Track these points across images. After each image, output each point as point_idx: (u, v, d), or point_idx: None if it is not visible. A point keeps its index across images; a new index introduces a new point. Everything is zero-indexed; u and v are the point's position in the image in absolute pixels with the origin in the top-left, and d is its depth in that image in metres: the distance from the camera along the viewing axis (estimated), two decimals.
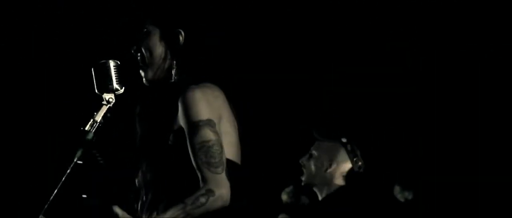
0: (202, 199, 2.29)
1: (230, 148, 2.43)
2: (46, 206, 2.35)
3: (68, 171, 2.35)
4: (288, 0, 4.81)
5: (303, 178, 3.84)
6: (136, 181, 2.53)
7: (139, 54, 2.56)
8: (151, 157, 2.47)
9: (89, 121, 2.43)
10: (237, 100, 2.52)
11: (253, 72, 4.78)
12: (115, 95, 2.48)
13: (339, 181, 3.76)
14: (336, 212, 3.65)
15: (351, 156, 3.79)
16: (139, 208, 2.50)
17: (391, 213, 4.00)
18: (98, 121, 2.42)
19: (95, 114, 2.44)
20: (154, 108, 2.53)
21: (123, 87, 2.49)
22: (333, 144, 3.81)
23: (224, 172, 2.35)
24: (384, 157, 4.62)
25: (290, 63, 4.92)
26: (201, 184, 2.32)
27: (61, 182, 2.34)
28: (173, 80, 2.52)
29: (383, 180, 4.37)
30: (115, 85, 2.47)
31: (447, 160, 4.76)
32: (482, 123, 4.70)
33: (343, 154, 3.79)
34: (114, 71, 2.47)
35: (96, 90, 2.48)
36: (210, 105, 2.40)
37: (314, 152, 3.82)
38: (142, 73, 2.56)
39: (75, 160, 2.36)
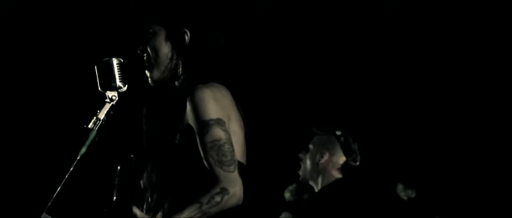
0: (218, 198, 2.30)
1: (237, 148, 2.44)
2: (49, 204, 2.35)
3: (71, 168, 2.35)
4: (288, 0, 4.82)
5: (300, 173, 3.86)
6: (141, 181, 2.54)
7: (144, 54, 2.56)
8: (158, 157, 2.47)
9: (92, 118, 2.43)
10: (242, 100, 2.52)
11: (255, 71, 4.78)
12: (118, 93, 2.48)
13: (333, 173, 3.77)
14: (332, 205, 3.65)
15: (345, 148, 3.79)
16: (145, 208, 2.51)
17: (388, 207, 4.01)
18: (101, 118, 2.43)
19: (98, 111, 2.44)
20: (161, 108, 2.53)
21: (126, 85, 2.49)
22: (328, 137, 3.82)
23: (236, 170, 2.36)
24: (386, 152, 4.63)
25: (292, 62, 4.92)
26: (213, 183, 2.33)
27: (64, 180, 2.35)
28: (179, 80, 2.52)
29: (382, 175, 4.38)
30: (118, 83, 2.47)
31: (447, 159, 4.76)
32: (482, 121, 4.70)
33: (336, 147, 3.80)
34: (117, 69, 2.47)
35: (99, 88, 2.48)
36: (219, 105, 2.41)
37: (310, 146, 3.84)
38: (148, 74, 2.56)
39: (78, 158, 2.36)
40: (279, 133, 4.81)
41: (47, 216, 2.37)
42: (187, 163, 2.41)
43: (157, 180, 2.46)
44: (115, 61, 2.48)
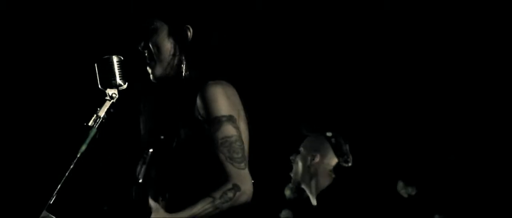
0: (230, 194, 2.32)
1: (244, 146, 2.45)
2: (49, 202, 2.35)
3: (72, 166, 2.35)
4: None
5: (291, 175, 3.84)
6: (138, 176, 2.53)
7: (146, 50, 2.55)
8: (164, 152, 2.46)
9: (93, 116, 2.42)
10: (242, 98, 2.52)
11: (257, 69, 4.78)
12: (118, 91, 2.47)
13: (325, 175, 3.75)
14: (332, 202, 3.65)
15: (336, 149, 3.78)
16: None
17: (388, 205, 4.01)
18: (102, 116, 2.42)
19: (98, 109, 2.44)
20: (166, 104, 2.53)
21: (126, 83, 2.49)
22: (318, 138, 3.81)
23: (247, 167, 2.38)
24: (386, 150, 4.62)
25: (292, 61, 4.92)
26: (225, 179, 2.34)
27: (64, 178, 2.35)
28: (183, 76, 2.52)
29: (382, 173, 4.37)
30: (118, 81, 2.47)
31: (448, 156, 4.76)
32: (482, 119, 4.70)
33: (327, 148, 3.78)
34: (117, 66, 2.47)
35: (100, 86, 2.48)
36: (230, 102, 2.43)
37: (301, 148, 3.82)
38: (150, 70, 2.55)
39: (78, 156, 2.36)
40: (280, 131, 4.81)
41: (48, 214, 2.37)
42: (193, 157, 2.41)
43: (158, 174, 2.46)
44: (115, 59, 2.47)
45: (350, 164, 3.79)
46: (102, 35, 4.70)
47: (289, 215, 4.35)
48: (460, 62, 4.71)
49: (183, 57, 2.52)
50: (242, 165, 2.37)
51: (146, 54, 2.56)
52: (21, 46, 4.88)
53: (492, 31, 4.58)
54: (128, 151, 2.61)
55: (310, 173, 3.75)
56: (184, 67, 2.52)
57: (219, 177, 2.36)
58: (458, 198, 4.67)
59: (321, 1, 4.77)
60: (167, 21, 2.55)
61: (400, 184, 4.53)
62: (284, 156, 4.22)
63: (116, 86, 2.47)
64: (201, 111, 2.41)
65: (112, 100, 2.46)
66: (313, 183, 3.75)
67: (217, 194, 2.31)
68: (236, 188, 2.33)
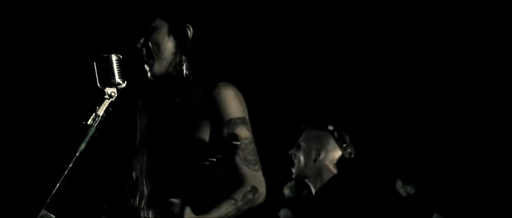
0: (250, 196, 2.36)
1: None
2: (48, 200, 2.35)
3: (70, 165, 2.35)
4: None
5: (294, 170, 3.83)
6: (134, 172, 2.53)
7: (145, 48, 2.55)
8: (164, 150, 2.46)
9: (92, 115, 2.42)
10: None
11: (254, 68, 4.78)
12: (118, 90, 2.47)
13: (330, 169, 3.75)
14: (332, 201, 3.64)
15: (340, 143, 3.78)
16: (137, 198, 2.50)
17: (387, 204, 4.01)
18: (101, 115, 2.42)
19: (97, 108, 2.44)
20: (169, 104, 2.52)
21: (125, 82, 2.49)
22: (321, 132, 3.80)
23: (260, 169, 2.41)
24: (385, 149, 4.62)
25: (291, 61, 4.92)
26: (241, 181, 2.37)
27: (63, 176, 2.35)
28: (184, 76, 2.52)
29: (381, 171, 4.37)
30: (117, 80, 2.46)
31: (446, 155, 4.76)
32: (480, 118, 4.70)
33: (331, 142, 3.79)
34: (117, 65, 2.47)
35: (99, 84, 2.48)
36: (243, 104, 2.46)
37: (302, 143, 3.81)
38: (148, 67, 2.55)
39: (77, 154, 2.35)
40: (278, 129, 4.81)
41: (46, 212, 2.37)
42: (201, 157, 2.41)
43: (158, 172, 2.46)
44: (114, 57, 2.47)
45: (352, 156, 3.80)
46: (101, 33, 4.70)
47: (288, 214, 4.35)
48: (459, 61, 4.71)
49: (184, 57, 2.52)
50: (256, 167, 2.41)
51: (144, 52, 2.55)
52: (20, 45, 4.88)
53: (492, 31, 4.58)
54: (127, 149, 2.61)
55: (316, 168, 3.74)
56: (185, 67, 2.52)
57: (227, 177, 2.38)
58: (457, 197, 4.67)
59: (321, 1, 4.77)
60: (167, 19, 2.55)
61: (399, 183, 4.53)
62: (282, 155, 4.22)
63: (115, 85, 2.47)
64: (212, 112, 2.42)
65: (111, 99, 2.46)
66: (318, 178, 3.75)
67: (239, 196, 2.34)
68: (255, 190, 2.37)
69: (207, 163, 2.22)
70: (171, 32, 2.53)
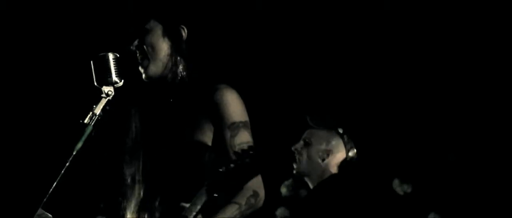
0: (252, 200, 2.37)
1: None
2: (45, 199, 2.34)
3: (68, 163, 2.34)
4: None
5: (295, 166, 3.81)
6: (129, 176, 2.53)
7: (139, 50, 2.54)
8: (163, 152, 2.46)
9: (88, 113, 2.42)
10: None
11: (249, 69, 4.78)
12: (114, 88, 2.47)
13: (334, 170, 3.75)
14: (329, 200, 3.64)
15: (348, 146, 3.78)
16: (132, 202, 2.50)
17: (384, 203, 4.01)
18: (97, 113, 2.42)
19: (94, 106, 2.43)
20: (168, 106, 2.52)
21: (122, 80, 2.48)
22: (330, 133, 3.80)
23: (260, 174, 2.42)
24: (382, 148, 4.63)
25: (290, 60, 4.92)
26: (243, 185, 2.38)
27: (60, 175, 2.34)
28: (180, 77, 2.51)
29: (378, 171, 4.37)
30: (114, 78, 2.46)
31: (443, 154, 4.77)
32: (478, 117, 4.71)
33: (340, 144, 3.78)
34: (113, 64, 2.46)
35: (95, 83, 2.47)
36: (244, 107, 2.46)
37: (311, 140, 3.79)
38: (142, 69, 2.54)
39: (74, 153, 2.35)
40: (274, 128, 4.81)
41: (43, 211, 2.36)
42: (200, 159, 2.41)
43: (157, 174, 2.45)
44: (111, 56, 2.46)
45: (354, 160, 3.80)
46: (98, 32, 4.70)
47: (285, 213, 4.35)
48: (458, 61, 4.72)
49: (179, 58, 2.52)
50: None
51: (138, 54, 2.54)
52: (16, 44, 4.88)
53: (492, 31, 4.58)
54: (124, 148, 2.61)
55: (321, 168, 3.73)
56: (181, 68, 2.51)
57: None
58: (454, 196, 4.68)
59: (322, 1, 4.77)
60: (161, 21, 2.54)
61: (396, 182, 4.53)
62: (279, 154, 4.22)
63: (112, 83, 2.46)
64: (214, 114, 2.42)
65: (108, 98, 2.45)
66: (319, 177, 3.74)
67: (242, 201, 2.36)
68: (256, 194, 2.39)
69: (223, 169, 2.22)
70: (165, 34, 2.52)
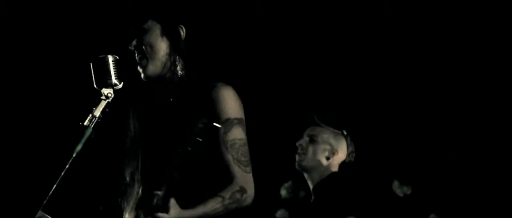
0: (238, 195, 2.36)
1: None
2: (45, 202, 2.34)
3: (67, 166, 2.34)
4: None
5: (298, 159, 3.80)
6: (127, 175, 2.53)
7: (137, 50, 2.54)
8: (163, 151, 2.46)
9: (88, 116, 2.42)
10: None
11: (248, 68, 4.78)
12: (114, 91, 2.47)
13: (333, 169, 3.77)
14: (329, 202, 3.65)
15: (350, 148, 3.80)
16: (130, 201, 2.50)
17: (384, 204, 4.01)
18: (97, 116, 2.42)
19: (94, 109, 2.43)
20: (167, 106, 2.52)
21: (122, 83, 2.48)
22: (335, 133, 3.82)
23: (251, 172, 2.42)
24: (382, 149, 4.62)
25: (290, 60, 4.92)
26: (231, 180, 2.38)
27: (60, 177, 2.34)
28: (179, 77, 2.51)
29: (378, 172, 4.37)
30: (114, 80, 2.46)
31: (443, 156, 4.77)
32: (477, 118, 4.70)
33: (344, 145, 3.81)
34: (113, 66, 2.46)
35: (95, 85, 2.47)
36: (241, 105, 2.46)
37: (317, 138, 3.80)
38: (141, 69, 2.54)
39: (74, 155, 2.35)
40: (273, 130, 4.81)
41: (43, 214, 2.36)
42: (200, 158, 2.41)
43: (156, 173, 2.45)
44: (110, 58, 2.46)
45: (352, 162, 3.82)
46: (97, 34, 4.69)
47: (285, 214, 4.35)
48: (458, 61, 4.72)
49: (178, 57, 2.52)
50: (248, 169, 2.41)
51: (136, 54, 2.54)
52: (16, 46, 4.87)
53: (492, 31, 4.58)
54: (123, 148, 2.61)
55: (324, 165, 3.74)
56: (179, 68, 2.51)
57: (220, 175, 2.37)
58: (454, 197, 4.67)
59: (322, 1, 4.77)
60: (159, 20, 2.54)
61: (396, 183, 4.53)
62: (279, 156, 4.22)
63: (112, 86, 2.46)
64: (210, 110, 2.42)
65: (107, 100, 2.45)
66: (320, 175, 3.75)
67: (227, 194, 2.34)
68: (243, 190, 2.37)
69: (188, 149, 2.19)
70: (164, 33, 2.52)
